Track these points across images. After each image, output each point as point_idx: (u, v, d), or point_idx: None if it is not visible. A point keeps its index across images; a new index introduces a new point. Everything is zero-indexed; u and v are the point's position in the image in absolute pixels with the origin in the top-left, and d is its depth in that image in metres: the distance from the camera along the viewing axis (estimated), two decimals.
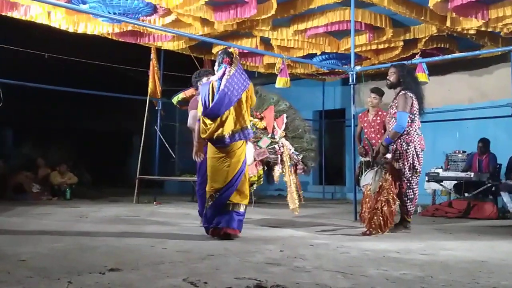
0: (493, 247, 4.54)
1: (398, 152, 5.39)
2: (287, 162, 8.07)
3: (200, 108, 4.80)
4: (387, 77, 5.64)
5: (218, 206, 4.64)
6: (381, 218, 5.16)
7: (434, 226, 6.07)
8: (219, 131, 4.64)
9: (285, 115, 8.88)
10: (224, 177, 4.65)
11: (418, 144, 5.39)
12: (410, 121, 5.39)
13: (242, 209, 4.70)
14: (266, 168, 8.53)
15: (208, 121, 4.68)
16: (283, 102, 9.15)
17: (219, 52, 4.94)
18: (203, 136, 4.77)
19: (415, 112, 5.42)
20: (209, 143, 4.79)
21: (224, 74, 4.69)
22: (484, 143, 8.41)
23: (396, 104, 5.44)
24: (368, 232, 5.19)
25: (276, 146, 8.42)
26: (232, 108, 4.66)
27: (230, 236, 4.62)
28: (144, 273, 3.09)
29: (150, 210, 8.10)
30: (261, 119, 8.83)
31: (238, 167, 4.67)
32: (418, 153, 5.38)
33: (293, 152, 8.26)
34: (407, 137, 5.37)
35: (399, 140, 5.38)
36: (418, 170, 5.39)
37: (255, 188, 8.52)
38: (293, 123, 9.08)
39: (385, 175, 5.35)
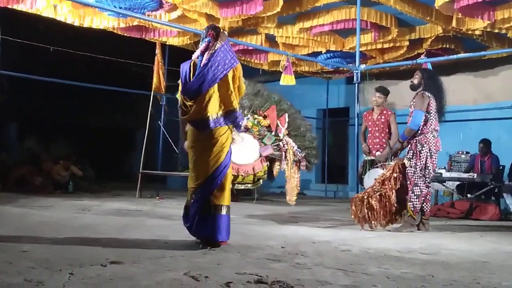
0: (495, 248, 4.53)
1: (411, 151, 5.48)
2: (290, 159, 8.36)
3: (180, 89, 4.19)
4: (411, 79, 5.76)
5: (199, 205, 3.99)
6: (366, 210, 5.22)
7: (436, 226, 6.06)
8: (203, 112, 4.01)
9: (286, 114, 9.06)
10: (206, 169, 4.00)
11: (434, 146, 5.47)
12: (425, 119, 5.46)
13: (224, 212, 3.99)
14: (268, 164, 8.76)
15: (189, 102, 4.06)
16: (285, 101, 9.33)
17: (205, 27, 4.35)
18: (183, 118, 4.13)
19: (431, 111, 5.49)
20: (189, 132, 4.17)
21: (207, 48, 4.09)
22: (485, 144, 8.40)
23: (414, 103, 5.56)
24: (360, 225, 5.30)
25: (280, 143, 8.76)
26: (216, 87, 4.04)
27: (214, 245, 3.92)
28: (145, 266, 3.10)
29: (153, 204, 8.11)
30: (264, 117, 8.99)
31: (221, 158, 4.02)
32: (432, 154, 5.46)
33: (296, 150, 8.54)
34: (422, 139, 5.45)
35: (415, 141, 5.48)
36: (430, 170, 5.45)
37: (261, 183, 8.77)
38: (294, 122, 9.27)
39: (387, 171, 5.43)
